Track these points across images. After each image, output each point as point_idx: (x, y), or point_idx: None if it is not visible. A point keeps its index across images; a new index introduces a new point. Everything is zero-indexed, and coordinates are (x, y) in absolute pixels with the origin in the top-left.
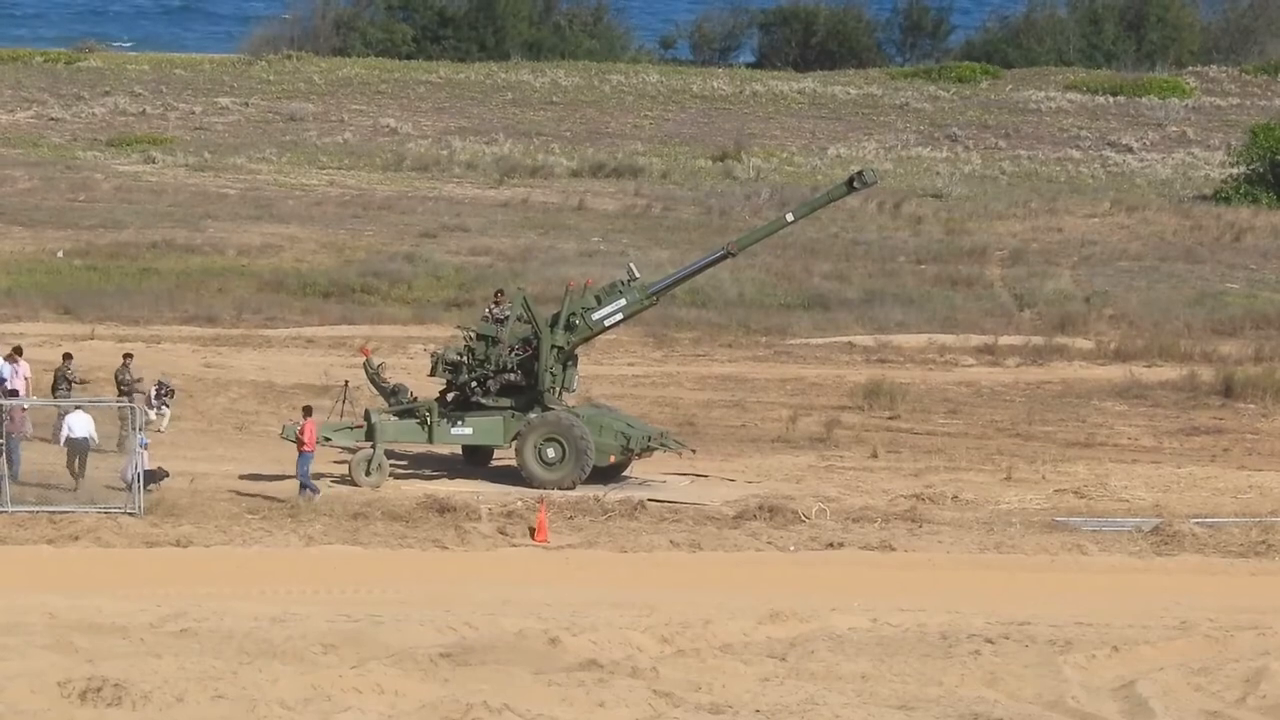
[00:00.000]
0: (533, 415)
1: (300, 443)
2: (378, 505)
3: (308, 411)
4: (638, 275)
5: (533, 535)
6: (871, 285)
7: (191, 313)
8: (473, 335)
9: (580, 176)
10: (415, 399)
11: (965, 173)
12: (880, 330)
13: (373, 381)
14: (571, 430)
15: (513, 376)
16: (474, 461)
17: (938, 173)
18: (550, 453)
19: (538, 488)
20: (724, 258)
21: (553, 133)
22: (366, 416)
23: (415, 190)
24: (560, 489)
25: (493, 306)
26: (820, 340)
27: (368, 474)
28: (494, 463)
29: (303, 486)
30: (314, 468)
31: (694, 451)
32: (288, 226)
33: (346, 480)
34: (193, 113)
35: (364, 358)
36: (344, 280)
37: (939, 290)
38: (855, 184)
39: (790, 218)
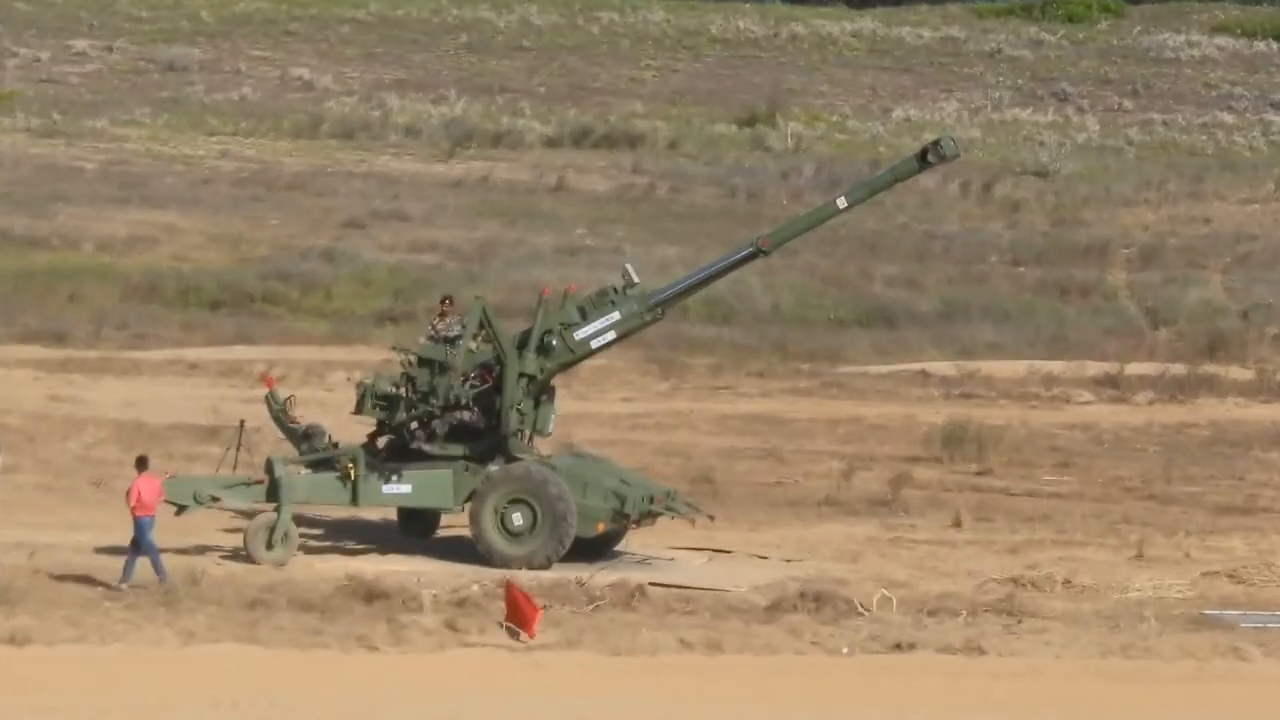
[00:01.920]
0: (493, 468)
1: (133, 505)
2: (283, 590)
3: (141, 464)
4: (636, 280)
5: (517, 625)
6: (952, 294)
7: (34, 327)
8: (413, 360)
9: (559, 147)
10: (335, 445)
11: (1078, 143)
12: (964, 354)
13: (278, 421)
14: (545, 488)
15: (467, 415)
16: (413, 531)
17: (1041, 143)
18: (517, 519)
19: (500, 566)
20: (753, 257)
21: (522, 88)
22: (269, 468)
23: (337, 164)
24: (530, 569)
25: (438, 321)
26: (884, 368)
27: (269, 547)
28: (441, 532)
29: (135, 564)
30: (191, 538)
31: (712, 518)
32: (165, 212)
33: (241, 555)
34: (38, 60)
35: (266, 389)
36: (240, 285)
37: (1043, 301)
38: (930, 157)
39: (842, 203)
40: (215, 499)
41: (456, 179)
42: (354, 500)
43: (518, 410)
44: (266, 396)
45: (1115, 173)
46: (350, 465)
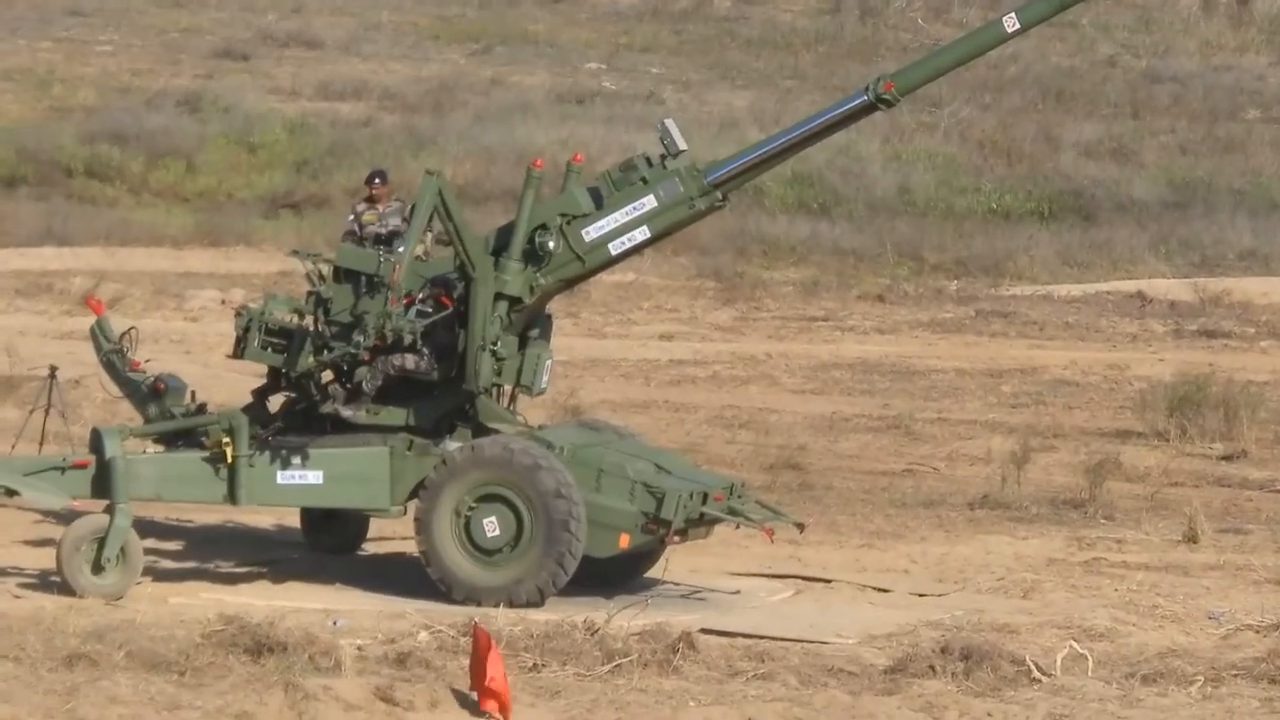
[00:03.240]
0: (453, 444)
1: None
2: (118, 639)
3: None
4: (682, 146)
5: (489, 696)
6: (1188, 170)
7: None
8: (323, 272)
9: None
10: (202, 408)
11: None
12: (1205, 267)
13: (110, 369)
14: (537, 479)
15: (412, 361)
16: (325, 543)
17: None
18: (492, 527)
19: (464, 601)
20: (869, 109)
21: None
22: (96, 444)
23: None
24: (512, 606)
25: (365, 209)
26: (1077, 288)
27: (98, 569)
28: (368, 544)
29: None
30: None
31: (801, 528)
32: None
33: (54, 582)
34: None
35: (94, 318)
36: (49, 151)
37: None
38: None
39: (1011, 23)
40: (12, 492)
41: None
42: (231, 495)
43: (492, 352)
44: (92, 329)
45: None
46: (225, 440)
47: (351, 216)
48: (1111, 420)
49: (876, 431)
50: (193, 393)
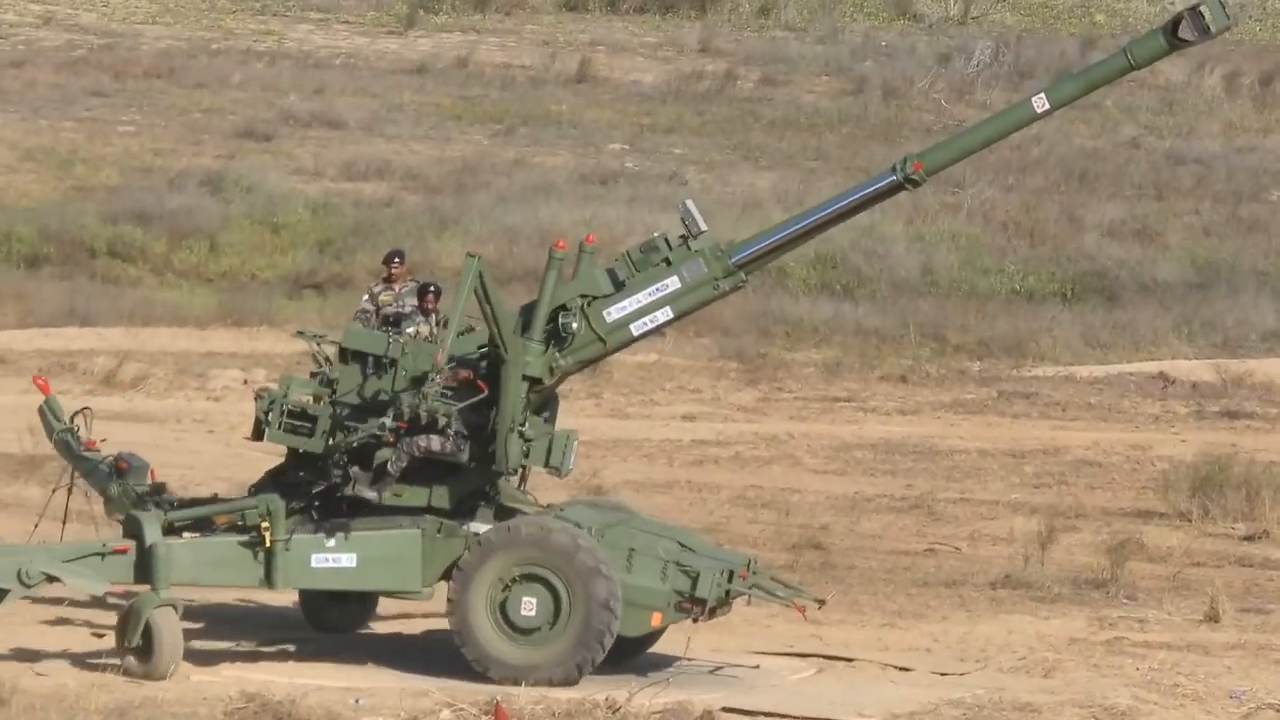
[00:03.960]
0: (479, 526)
1: None
2: (140, 715)
3: None
4: (703, 226)
5: None
6: (1211, 252)
7: None
8: (328, 354)
9: (583, 11)
10: (161, 488)
11: None
12: (1227, 349)
13: (65, 449)
14: (576, 560)
15: (437, 442)
16: (326, 622)
17: None
18: (529, 608)
19: (501, 680)
20: (896, 189)
21: None
22: (133, 527)
23: (228, 37)
24: (550, 684)
25: (379, 288)
26: (1100, 369)
27: (146, 656)
28: (388, 622)
29: None
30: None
31: (821, 604)
32: None
33: (73, 660)
34: None
35: (43, 397)
36: (73, 230)
37: None
38: (1184, 32)
39: (1041, 104)
40: (53, 579)
41: (418, 62)
42: (268, 579)
43: (520, 434)
44: (41, 409)
45: None
46: (265, 523)
47: (367, 296)
48: (1134, 500)
49: (899, 511)
50: (152, 471)
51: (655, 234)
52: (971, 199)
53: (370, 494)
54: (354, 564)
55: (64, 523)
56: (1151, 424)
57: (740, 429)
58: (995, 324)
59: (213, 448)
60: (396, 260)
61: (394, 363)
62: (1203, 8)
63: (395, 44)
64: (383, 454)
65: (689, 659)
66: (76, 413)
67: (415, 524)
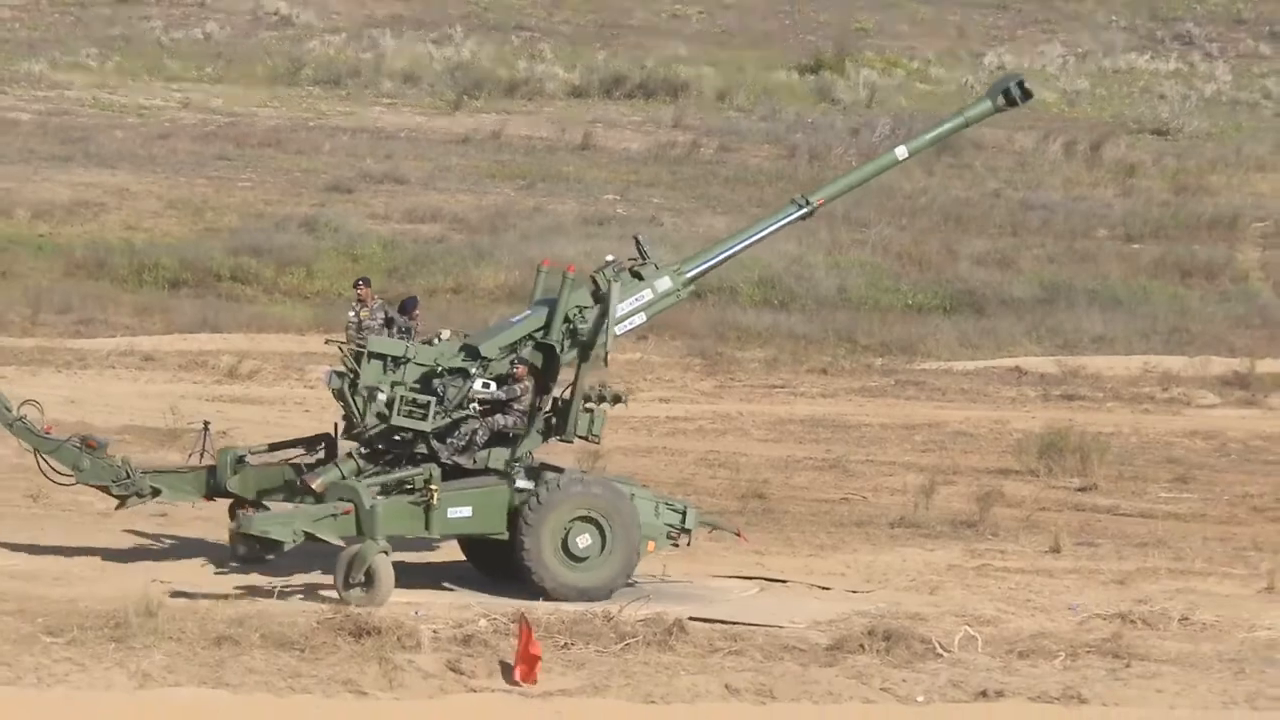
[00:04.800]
0: (523, 484)
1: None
2: (254, 624)
3: None
4: (649, 254)
5: (509, 671)
6: (1053, 275)
7: None
8: (352, 355)
9: (586, 97)
10: (127, 461)
11: (1206, 96)
12: (1066, 348)
13: (25, 433)
14: (618, 504)
15: (510, 420)
16: (485, 564)
17: (1161, 96)
18: (584, 542)
19: (562, 598)
20: (805, 218)
21: (542, 26)
22: (347, 493)
23: (320, 117)
24: (592, 600)
25: (359, 306)
26: (970, 364)
27: (356, 585)
28: (434, 556)
29: None
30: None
31: (738, 534)
32: (115, 173)
33: (202, 581)
34: None
35: None
36: (204, 261)
37: (1161, 285)
38: (1013, 96)
39: (902, 153)
40: (312, 536)
41: (463, 135)
42: (428, 527)
43: (585, 410)
44: None
45: (1249, 131)
46: (433, 486)
47: (353, 313)
48: (996, 462)
49: (821, 470)
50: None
51: (609, 257)
52: (875, 236)
53: (464, 460)
54: (470, 514)
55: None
56: (1009, 405)
57: (703, 409)
58: (893, 330)
59: (309, 423)
60: (363, 283)
61: (408, 361)
62: (1015, 84)
63: (445, 121)
64: (469, 427)
65: (664, 579)
66: (24, 402)
67: (499, 481)
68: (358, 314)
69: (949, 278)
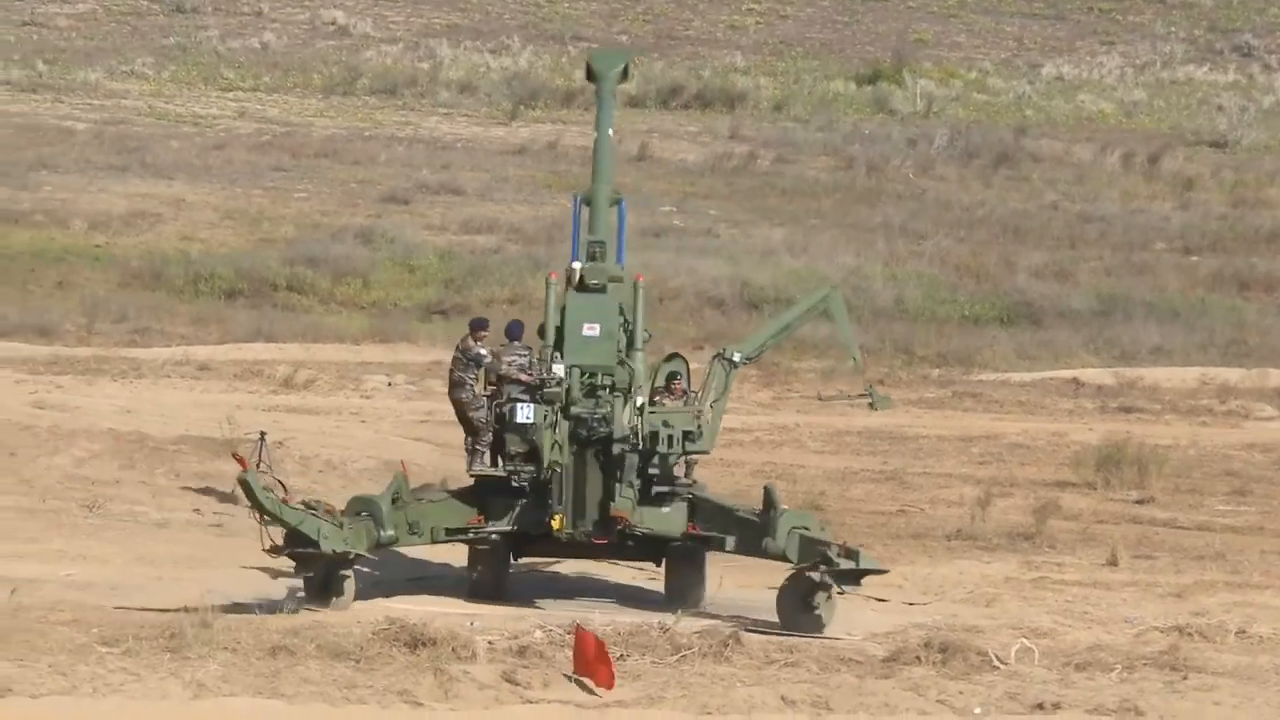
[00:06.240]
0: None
1: None
2: (310, 635)
3: None
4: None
5: (588, 675)
6: (1111, 288)
7: (14, 320)
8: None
9: (642, 107)
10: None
11: (1264, 108)
12: (1124, 360)
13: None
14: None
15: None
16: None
17: (1220, 107)
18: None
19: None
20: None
21: (599, 36)
22: (768, 499)
23: (377, 127)
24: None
25: (484, 346)
26: (1028, 375)
27: None
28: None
29: None
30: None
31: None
32: (171, 184)
33: (259, 590)
34: None
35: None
36: (260, 271)
37: (1219, 297)
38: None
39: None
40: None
41: (519, 145)
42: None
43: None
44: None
45: None
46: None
47: (485, 352)
48: (1053, 474)
49: (878, 482)
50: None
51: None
52: (932, 247)
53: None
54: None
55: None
56: (1066, 416)
57: (759, 420)
58: (950, 341)
59: (364, 433)
60: (479, 330)
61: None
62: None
63: (502, 131)
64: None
65: (720, 592)
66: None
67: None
68: (490, 352)
69: (1006, 289)
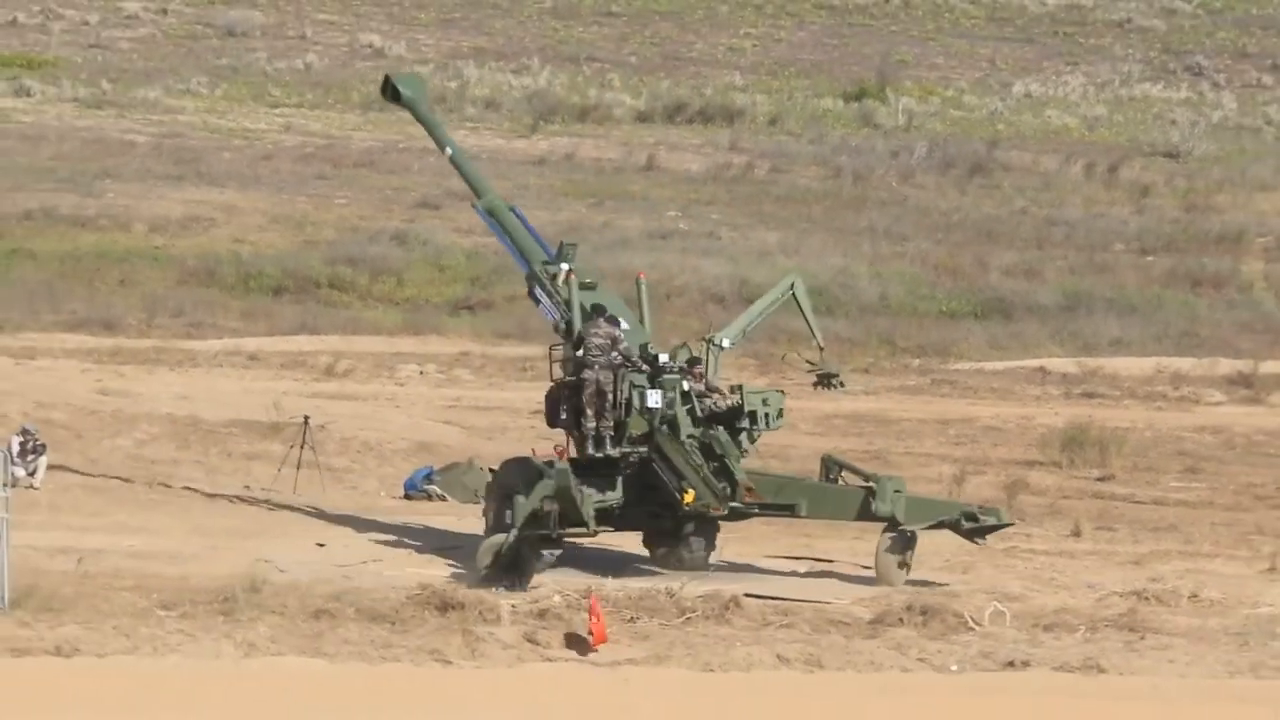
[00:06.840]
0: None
1: None
2: (350, 600)
3: None
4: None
5: (582, 644)
6: (1074, 285)
7: (81, 315)
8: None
9: (650, 122)
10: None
11: (1213, 122)
12: (1086, 350)
13: None
14: None
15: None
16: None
17: (1173, 121)
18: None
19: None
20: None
21: (611, 58)
22: (826, 467)
23: (410, 139)
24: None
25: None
26: (999, 365)
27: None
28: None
29: None
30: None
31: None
32: (223, 191)
33: (302, 562)
34: (86, 23)
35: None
36: (304, 270)
37: (1173, 293)
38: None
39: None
40: None
41: (539, 156)
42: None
43: None
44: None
45: (1253, 154)
46: None
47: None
48: (1023, 454)
49: (863, 461)
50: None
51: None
52: (913, 249)
53: None
54: None
55: (298, 468)
56: (1034, 402)
57: None
58: (929, 334)
59: (398, 417)
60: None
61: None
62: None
63: (523, 144)
64: None
65: (723, 561)
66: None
67: None
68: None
69: (980, 286)
